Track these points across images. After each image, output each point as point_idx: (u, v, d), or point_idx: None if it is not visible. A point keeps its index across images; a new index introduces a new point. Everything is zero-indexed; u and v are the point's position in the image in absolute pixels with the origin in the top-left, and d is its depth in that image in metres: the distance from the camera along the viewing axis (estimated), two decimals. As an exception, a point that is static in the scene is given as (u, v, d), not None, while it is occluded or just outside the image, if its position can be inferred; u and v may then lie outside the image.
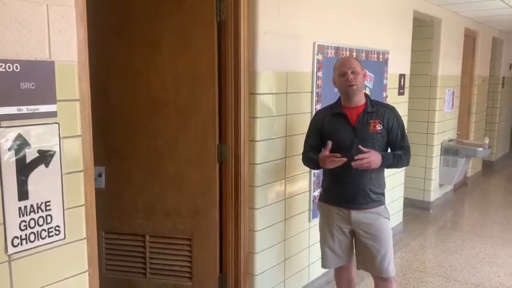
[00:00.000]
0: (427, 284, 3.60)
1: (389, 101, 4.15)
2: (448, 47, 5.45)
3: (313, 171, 3.17)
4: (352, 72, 2.44)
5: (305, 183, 3.16)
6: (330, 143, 2.45)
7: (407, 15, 4.44)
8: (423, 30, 5.12)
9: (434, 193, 5.56)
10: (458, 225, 5.17)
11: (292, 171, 3.01)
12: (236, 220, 2.74)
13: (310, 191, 3.21)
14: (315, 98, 3.13)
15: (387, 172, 4.32)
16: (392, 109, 2.58)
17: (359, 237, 2.56)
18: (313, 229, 3.29)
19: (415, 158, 5.31)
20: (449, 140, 5.69)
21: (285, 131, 2.91)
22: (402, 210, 4.78)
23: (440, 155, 5.54)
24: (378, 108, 2.51)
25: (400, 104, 4.44)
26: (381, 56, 3.92)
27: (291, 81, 2.91)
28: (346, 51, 3.42)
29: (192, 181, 2.74)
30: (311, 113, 3.12)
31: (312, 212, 3.24)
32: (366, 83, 3.69)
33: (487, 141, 5.67)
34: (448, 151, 5.51)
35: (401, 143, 2.56)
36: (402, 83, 4.43)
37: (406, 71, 4.51)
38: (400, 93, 4.42)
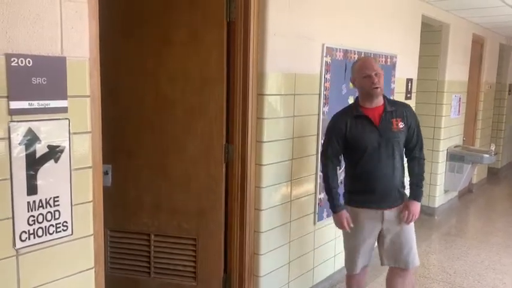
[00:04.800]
0: (432, 289, 3.58)
1: (396, 105, 4.14)
2: (456, 52, 5.43)
3: (319, 173, 3.16)
4: (376, 75, 2.46)
5: (311, 185, 3.15)
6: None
7: (416, 19, 4.44)
8: (431, 35, 5.11)
9: (439, 199, 5.53)
10: (463, 231, 5.14)
11: (298, 173, 3.00)
12: (241, 221, 2.73)
13: (316, 193, 3.19)
14: (322, 100, 3.13)
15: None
16: (409, 107, 2.65)
17: (387, 234, 2.60)
18: (318, 232, 3.27)
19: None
20: (455, 146, 5.67)
21: (292, 132, 2.90)
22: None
23: (446, 160, 5.52)
24: (396, 107, 2.57)
25: (407, 109, 4.43)
26: (388, 60, 3.91)
27: (299, 82, 2.91)
28: (354, 54, 3.41)
29: (198, 180, 2.73)
30: (318, 115, 3.11)
31: (317, 215, 3.23)
32: (373, 86, 3.69)
33: (493, 148, 5.65)
34: (454, 157, 5.49)
35: (416, 141, 2.63)
36: (409, 87, 4.42)
37: (414, 75, 4.50)
38: (407, 98, 4.41)
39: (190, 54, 2.65)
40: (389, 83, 3.98)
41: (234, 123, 2.67)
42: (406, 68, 4.30)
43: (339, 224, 2.59)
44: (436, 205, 5.48)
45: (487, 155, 5.42)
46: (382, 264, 2.72)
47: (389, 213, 2.56)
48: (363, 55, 3.51)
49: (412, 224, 2.64)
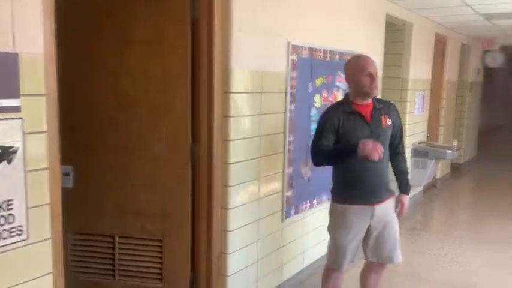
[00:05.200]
0: (398, 284, 3.64)
1: (362, 102, 4.19)
2: (419, 51, 5.56)
3: (286, 171, 3.16)
4: (375, 74, 2.51)
5: (278, 183, 3.15)
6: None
7: (380, 18, 4.51)
8: (395, 34, 5.20)
9: (405, 194, 5.64)
10: (427, 226, 5.27)
11: (266, 171, 2.99)
12: (209, 220, 2.70)
13: (283, 191, 3.19)
14: (289, 98, 3.13)
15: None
16: (393, 105, 2.74)
17: (374, 230, 2.61)
18: (286, 229, 3.28)
19: (387, 159, 5.40)
20: (420, 143, 5.80)
21: (259, 130, 2.89)
22: (374, 211, 4.83)
23: (411, 157, 5.64)
24: (383, 104, 2.63)
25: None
26: (354, 58, 3.96)
27: (265, 80, 2.90)
28: (320, 52, 3.43)
29: (164, 181, 2.68)
30: (285, 113, 3.11)
31: (285, 212, 3.23)
32: (339, 84, 3.73)
33: (455, 143, 5.81)
34: (419, 153, 5.62)
35: (400, 137, 2.71)
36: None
37: (379, 73, 4.57)
38: (373, 96, 4.47)
39: (153, 52, 2.59)
40: (355, 81, 4.02)
41: (200, 121, 2.63)
42: (371, 66, 4.36)
43: (374, 151, 2.32)
44: (402, 200, 5.58)
45: (449, 151, 5.58)
46: (366, 259, 2.75)
47: (379, 209, 2.57)
48: (328, 53, 3.53)
49: (396, 220, 2.69)
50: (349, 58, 2.79)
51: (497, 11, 5.16)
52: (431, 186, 6.69)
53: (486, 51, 8.76)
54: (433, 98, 6.38)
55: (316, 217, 3.63)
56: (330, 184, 2.74)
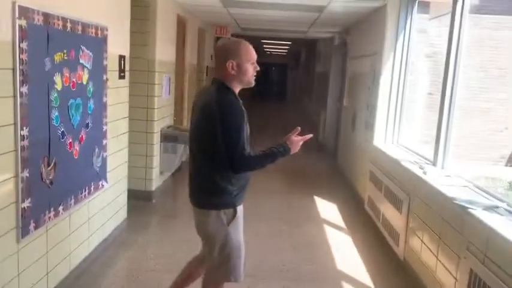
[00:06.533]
0: (164, 282, 3.33)
1: (111, 85, 3.66)
2: (164, 31, 5.32)
3: (20, 175, 2.38)
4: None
5: (10, 193, 2.34)
6: (298, 128, 2.39)
7: (125, -10, 4.01)
8: (140, 10, 4.77)
9: (156, 181, 5.40)
10: (181, 212, 5.17)
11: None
12: None
13: (17, 202, 2.40)
14: (19, 78, 2.33)
15: (114, 162, 3.86)
16: None
17: None
18: (24, 251, 2.51)
19: (137, 146, 5.00)
20: (168, 127, 5.63)
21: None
22: (127, 205, 4.39)
23: (160, 142, 5.41)
24: None
25: (122, 89, 4.01)
26: (99, 32, 3.36)
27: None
28: (59, 20, 2.71)
29: None
30: (14, 97, 2.31)
31: (21, 230, 2.45)
32: (83, 61, 3.09)
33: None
34: (168, 138, 5.44)
35: None
36: (123, 65, 3.99)
37: (126, 52, 4.09)
38: (121, 77, 3.97)
39: None
40: (101, 59, 3.44)
41: None
42: (119, 44, 3.84)
43: (297, 146, 2.35)
44: (153, 188, 5.33)
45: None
46: None
47: None
48: (69, 23, 2.84)
49: None
50: (226, 39, 2.54)
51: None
52: (177, 170, 6.67)
53: (218, 38, 9.34)
54: (177, 81, 6.31)
55: (63, 227, 2.96)
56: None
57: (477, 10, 7.63)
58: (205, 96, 2.30)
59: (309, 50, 15.12)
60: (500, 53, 8.76)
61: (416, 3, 4.77)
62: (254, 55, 2.30)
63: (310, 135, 2.39)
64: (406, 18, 4.84)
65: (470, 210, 2.55)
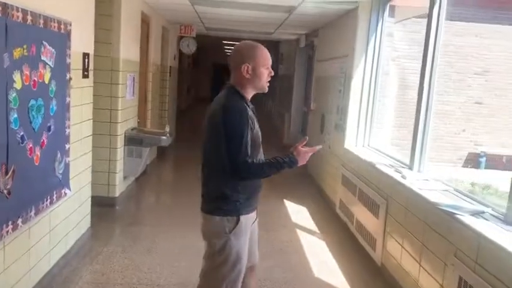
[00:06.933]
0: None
1: (74, 84, 3.38)
2: (129, 28, 5.05)
3: None
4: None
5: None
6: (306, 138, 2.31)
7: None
8: (104, 6, 4.48)
9: (120, 187, 5.12)
10: (146, 219, 4.92)
11: None
12: None
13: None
14: (-27, 76, 2.06)
15: (77, 168, 3.58)
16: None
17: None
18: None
19: (99, 150, 4.70)
20: (132, 129, 5.35)
21: None
22: (90, 214, 4.10)
23: (124, 145, 5.13)
24: None
25: (85, 89, 3.74)
26: (62, 27, 3.09)
27: None
28: (18, 11, 2.44)
29: None
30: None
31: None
32: (45, 58, 2.82)
33: (167, 129, 5.67)
34: (133, 141, 5.17)
35: None
36: (87, 63, 3.71)
37: (90, 50, 3.81)
38: (85, 76, 3.69)
39: None
40: (64, 57, 3.16)
41: None
42: (82, 40, 3.57)
43: (305, 158, 2.23)
44: (117, 194, 5.04)
45: (164, 137, 5.39)
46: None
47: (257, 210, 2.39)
48: (30, 15, 2.58)
49: None
50: (243, 43, 2.30)
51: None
52: (142, 173, 6.39)
53: (182, 37, 9.10)
54: (141, 81, 6.03)
55: (22, 241, 2.68)
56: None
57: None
58: (215, 102, 2.25)
59: (271, 51, 15.08)
60: (461, 58, 9.06)
61: (388, 7, 4.78)
62: (269, 60, 2.24)
63: (320, 147, 2.29)
64: (378, 21, 4.84)
65: (457, 216, 2.51)
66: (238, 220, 2.20)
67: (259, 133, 2.25)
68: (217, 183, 2.20)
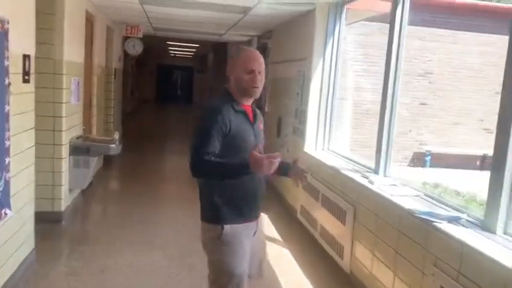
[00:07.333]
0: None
1: (14, 90, 3.01)
2: (72, 28, 4.65)
3: None
4: (259, 73, 2.15)
5: None
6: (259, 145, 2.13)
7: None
8: (45, 3, 4.05)
9: (65, 201, 4.69)
10: (95, 235, 4.53)
11: None
12: None
13: None
14: None
15: (18, 184, 3.20)
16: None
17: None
18: None
19: (42, 161, 4.25)
20: (78, 137, 4.94)
21: None
22: (34, 233, 3.69)
23: (70, 155, 4.72)
24: (254, 107, 2.32)
25: (26, 95, 3.36)
26: (-1, 26, 2.72)
27: None
28: None
29: None
30: None
31: None
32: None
33: (117, 136, 5.31)
34: (79, 150, 4.75)
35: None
36: (27, 66, 3.32)
37: (31, 51, 3.43)
38: (25, 81, 3.31)
39: None
40: (1, 59, 2.79)
41: None
42: (22, 41, 3.20)
43: (267, 165, 1.95)
44: (62, 208, 4.60)
45: (113, 145, 5.01)
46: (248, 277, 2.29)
47: (258, 221, 2.33)
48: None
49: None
50: (234, 50, 2.32)
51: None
52: (89, 185, 5.95)
53: (127, 38, 8.67)
54: (86, 85, 5.61)
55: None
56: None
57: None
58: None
59: (219, 53, 14.86)
60: (406, 61, 9.32)
61: (345, 9, 4.74)
62: (251, 63, 2.16)
63: (277, 153, 2.06)
64: (335, 24, 4.79)
65: (435, 224, 2.45)
66: (222, 229, 2.16)
67: (248, 137, 2.17)
68: (206, 191, 2.22)
